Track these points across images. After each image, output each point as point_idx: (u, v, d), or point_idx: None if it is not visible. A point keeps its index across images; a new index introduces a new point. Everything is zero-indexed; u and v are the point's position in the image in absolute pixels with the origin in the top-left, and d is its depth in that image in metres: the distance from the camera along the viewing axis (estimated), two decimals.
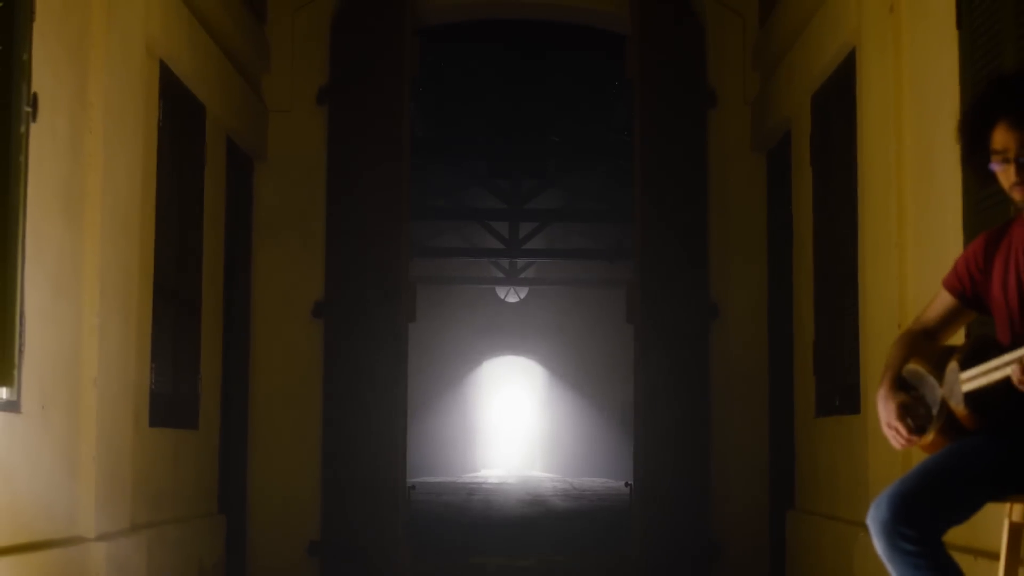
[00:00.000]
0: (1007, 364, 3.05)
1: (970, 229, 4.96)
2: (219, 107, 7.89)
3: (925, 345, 3.57)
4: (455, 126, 17.05)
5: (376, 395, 8.69)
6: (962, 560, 3.52)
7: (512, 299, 26.14)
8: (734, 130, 9.16)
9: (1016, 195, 3.30)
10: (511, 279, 25.06)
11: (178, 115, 7.18)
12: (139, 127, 6.21)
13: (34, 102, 4.33)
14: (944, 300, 3.61)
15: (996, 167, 3.30)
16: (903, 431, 3.38)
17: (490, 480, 24.21)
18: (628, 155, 9.05)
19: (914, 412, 3.38)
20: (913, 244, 5.74)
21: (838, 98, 7.15)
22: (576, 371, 26.13)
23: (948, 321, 3.62)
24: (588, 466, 25.49)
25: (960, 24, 5.14)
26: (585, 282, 24.46)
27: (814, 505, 7.72)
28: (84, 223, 5.61)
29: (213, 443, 8.07)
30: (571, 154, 18.23)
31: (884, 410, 3.44)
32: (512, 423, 27.68)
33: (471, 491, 20.59)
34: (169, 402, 7.06)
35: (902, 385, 3.48)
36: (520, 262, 24.38)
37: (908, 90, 5.83)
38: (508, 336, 26.44)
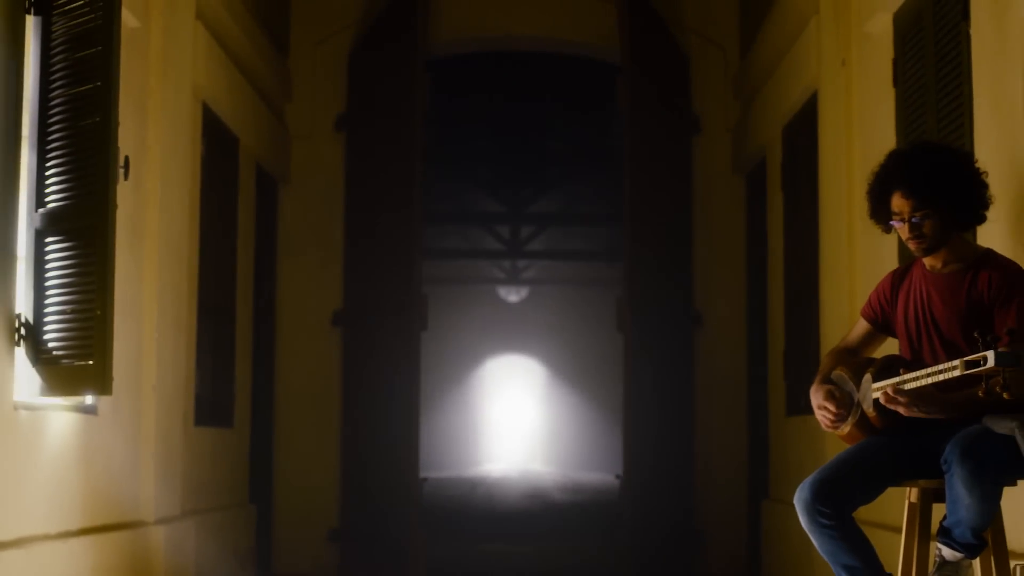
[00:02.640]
0: (904, 383, 3.93)
1: (904, 258, 5.82)
2: (250, 138, 8.76)
3: (846, 359, 4.45)
4: (459, 134, 17.77)
5: (390, 396, 9.47)
6: (894, 537, 4.39)
7: (513, 298, 26.96)
8: (716, 154, 10.02)
9: (911, 246, 4.18)
10: (512, 279, 25.90)
11: (216, 149, 8.05)
12: (187, 164, 7.09)
13: (126, 163, 5.22)
14: (862, 326, 4.49)
15: (895, 224, 4.18)
16: (831, 408, 4.24)
17: (493, 474, 25.04)
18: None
19: (839, 402, 4.25)
20: (861, 268, 6.62)
21: (804, 133, 8.01)
22: (575, 369, 26.88)
23: (866, 342, 4.51)
24: (587, 460, 26.25)
25: (896, 82, 6.02)
26: (584, 282, 25.23)
27: (785, 495, 8.58)
28: (144, 252, 6.49)
29: (244, 440, 8.94)
30: (570, 160, 18.96)
31: (814, 397, 4.32)
32: (513, 420, 28.43)
33: (475, 485, 21.42)
34: (209, 404, 7.94)
35: (830, 382, 4.35)
36: (521, 263, 25.21)
37: (857, 133, 6.71)
38: (509, 336, 27.23)
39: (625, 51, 9.81)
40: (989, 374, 3.53)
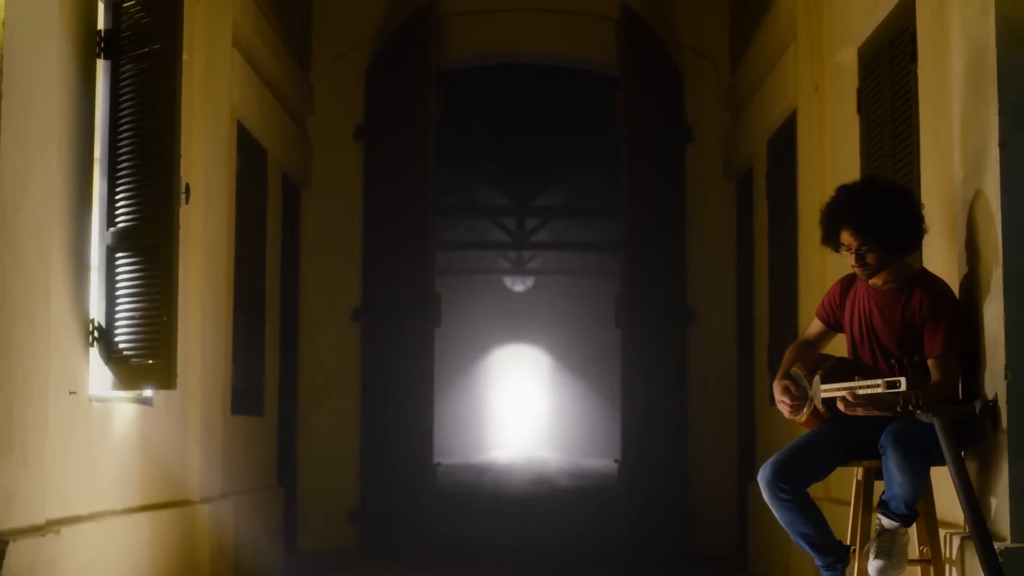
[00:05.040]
0: (840, 390, 4.70)
1: None
2: (277, 149, 9.52)
3: (807, 352, 5.22)
4: (467, 131, 18.34)
5: (406, 387, 10.10)
6: (845, 509, 5.16)
7: (519, 288, 27.63)
8: (708, 162, 10.77)
9: (856, 271, 4.95)
10: (518, 269, 26.59)
11: (248, 161, 8.80)
12: (225, 178, 7.85)
13: (187, 189, 5.99)
14: (817, 324, 5.28)
15: (844, 251, 4.94)
16: (787, 401, 5.02)
17: (499, 461, 25.70)
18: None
19: (794, 395, 5.02)
20: (832, 273, 7.34)
21: (785, 147, 8.73)
22: (579, 358, 27.49)
23: (821, 338, 5.30)
24: (591, 447, 26.84)
25: (860, 110, 6.77)
26: (587, 272, 25.88)
27: None
28: (189, 258, 7.24)
29: (273, 427, 9.71)
30: (574, 155, 19.55)
31: (776, 391, 5.11)
32: (519, 408, 29.02)
33: (482, 471, 22.09)
34: (243, 394, 8.70)
35: (790, 378, 5.12)
36: (526, 254, 25.89)
37: (829, 152, 7.46)
38: (515, 325, 27.86)
39: (622, 65, 10.47)
40: (905, 394, 4.32)
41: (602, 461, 23.90)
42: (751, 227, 10.06)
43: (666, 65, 10.71)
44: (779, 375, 5.14)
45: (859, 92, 6.80)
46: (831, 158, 7.41)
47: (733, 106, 10.45)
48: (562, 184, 21.37)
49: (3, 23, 4.66)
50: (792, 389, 5.03)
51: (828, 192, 7.35)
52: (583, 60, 11.22)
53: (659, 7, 10.78)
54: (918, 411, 4.35)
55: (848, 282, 5.15)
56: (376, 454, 10.27)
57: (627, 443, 10.23)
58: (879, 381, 4.46)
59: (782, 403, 5.05)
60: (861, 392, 4.58)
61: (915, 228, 4.90)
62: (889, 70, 6.28)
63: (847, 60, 7.07)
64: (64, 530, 5.19)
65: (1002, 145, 4.61)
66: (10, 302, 4.72)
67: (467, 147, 18.61)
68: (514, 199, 21.86)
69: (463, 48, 10.94)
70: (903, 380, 4.32)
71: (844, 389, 4.68)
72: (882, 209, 4.85)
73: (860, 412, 4.69)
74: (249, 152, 8.83)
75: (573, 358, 27.69)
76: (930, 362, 4.74)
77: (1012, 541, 4.53)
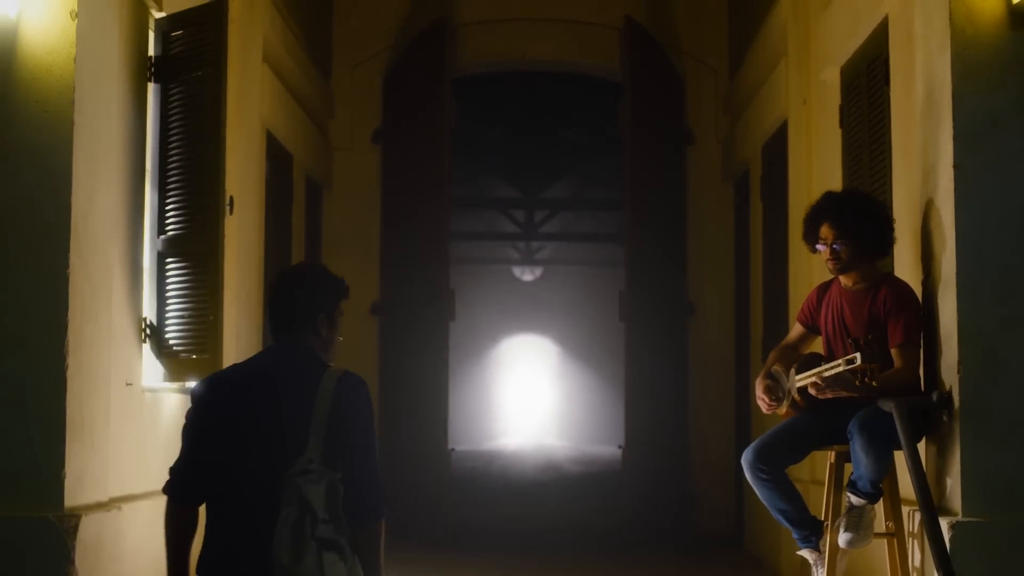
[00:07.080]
0: (811, 376, 5.33)
1: None
2: (302, 153, 10.13)
3: (788, 354, 5.84)
4: (478, 126, 18.79)
5: (422, 377, 10.70)
6: (820, 489, 5.78)
7: (528, 277, 28.18)
8: (708, 164, 11.36)
9: (828, 266, 5.58)
10: (527, 259, 27.16)
11: (276, 166, 9.42)
12: (256, 183, 8.45)
13: (231, 202, 6.61)
14: (797, 328, 5.89)
15: (820, 247, 5.56)
16: (766, 399, 5.65)
17: (508, 448, 26.28)
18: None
19: (774, 392, 5.65)
20: (818, 273, 7.94)
21: (778, 153, 9.33)
22: (586, 347, 28.02)
23: (801, 341, 5.91)
24: (598, 434, 27.33)
25: (842, 124, 7.37)
26: (594, 262, 26.43)
27: None
28: (226, 259, 7.84)
29: None
30: (581, 149, 20.04)
31: (757, 389, 5.73)
32: (528, 396, 29.51)
33: (492, 458, 22.69)
34: None
35: (771, 376, 5.75)
36: (535, 244, 26.45)
37: (815, 160, 8.05)
38: (524, 315, 28.40)
39: (626, 71, 11.05)
40: (861, 368, 4.94)
41: (607, 448, 24.37)
42: (747, 226, 10.65)
43: (668, 71, 11.28)
44: (761, 374, 5.77)
45: (841, 108, 7.40)
46: (817, 167, 8.01)
47: (731, 111, 11.03)
48: (570, 177, 21.89)
49: (74, 59, 5.28)
50: (774, 389, 5.65)
51: (815, 197, 7.99)
52: (589, 67, 11.81)
53: (661, 17, 11.37)
54: (874, 383, 4.96)
55: (824, 288, 5.77)
56: (393, 441, 10.82)
57: (630, 430, 10.81)
58: (840, 360, 5.09)
59: (761, 400, 5.69)
60: (827, 374, 5.21)
61: (885, 234, 5.53)
62: (867, 90, 6.88)
63: (831, 78, 7.66)
64: (124, 507, 5.81)
65: (956, 166, 5.22)
66: (80, 305, 5.35)
67: (478, 140, 19.09)
68: (523, 191, 22.40)
69: (476, 55, 11.53)
70: (858, 355, 4.95)
71: (813, 375, 5.31)
72: (858, 209, 5.51)
73: (829, 395, 5.30)
74: (277, 158, 9.43)
75: (580, 347, 28.16)
76: (893, 351, 5.37)
77: (963, 516, 5.15)
